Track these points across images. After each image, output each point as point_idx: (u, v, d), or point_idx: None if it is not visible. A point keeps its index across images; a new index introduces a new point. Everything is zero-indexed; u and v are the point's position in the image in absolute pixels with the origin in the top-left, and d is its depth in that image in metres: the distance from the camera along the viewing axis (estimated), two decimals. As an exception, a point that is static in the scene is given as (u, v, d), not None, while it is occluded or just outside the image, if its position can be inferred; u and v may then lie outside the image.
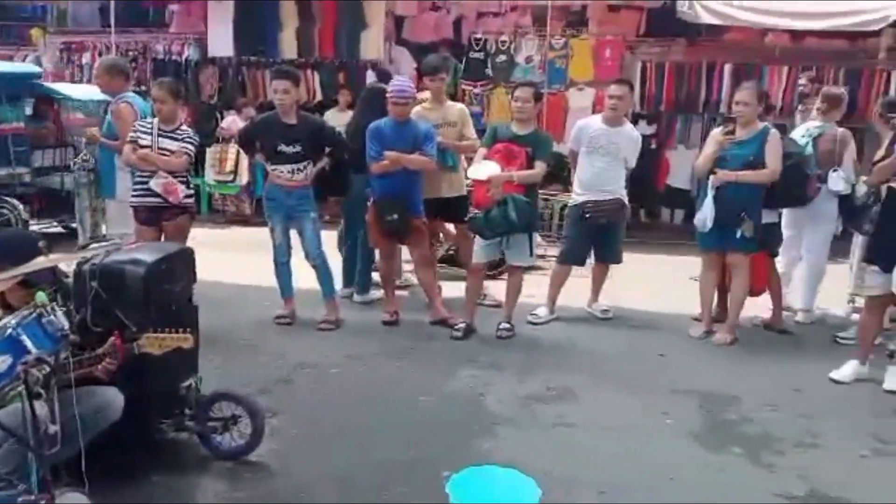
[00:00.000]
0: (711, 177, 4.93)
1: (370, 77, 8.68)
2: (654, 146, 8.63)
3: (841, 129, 5.27)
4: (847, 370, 4.42)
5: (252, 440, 3.22)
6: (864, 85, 8.22)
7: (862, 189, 4.88)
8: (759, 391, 4.21)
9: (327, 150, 5.12)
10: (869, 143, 6.08)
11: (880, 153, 4.36)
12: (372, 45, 8.96)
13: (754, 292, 5.18)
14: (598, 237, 5.42)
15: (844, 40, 8.49)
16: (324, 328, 5.08)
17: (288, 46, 9.11)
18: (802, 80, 7.86)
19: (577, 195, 5.43)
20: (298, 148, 4.92)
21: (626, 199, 5.42)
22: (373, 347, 4.79)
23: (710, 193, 4.92)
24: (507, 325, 5.06)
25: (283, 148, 4.93)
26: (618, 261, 5.61)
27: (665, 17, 8.43)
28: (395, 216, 4.97)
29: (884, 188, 4.35)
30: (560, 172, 6.42)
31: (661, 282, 6.43)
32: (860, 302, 4.96)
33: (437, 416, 3.84)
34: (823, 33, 8.17)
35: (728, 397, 4.13)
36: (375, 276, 5.65)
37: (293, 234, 5.16)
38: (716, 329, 5.12)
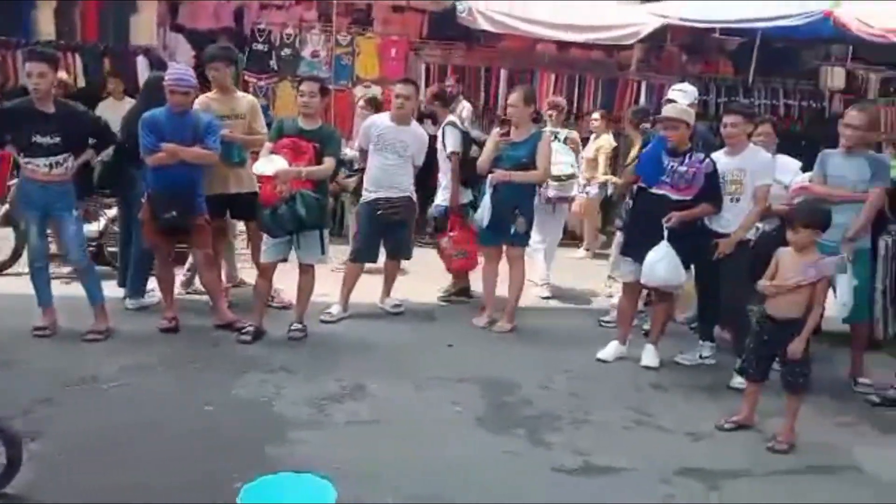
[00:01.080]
0: (489, 176, 5.23)
1: (141, 64, 8.05)
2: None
3: (547, 133, 5.72)
4: (610, 350, 4.90)
5: (7, 471, 2.83)
6: (620, 94, 9.16)
7: (610, 189, 5.55)
8: (536, 374, 4.53)
9: (91, 141, 4.66)
10: (624, 147, 6.85)
11: (631, 156, 4.90)
12: (143, 29, 8.29)
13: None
14: (389, 234, 5.49)
15: (602, 52, 9.43)
16: (91, 339, 4.60)
17: (45, 26, 8.13)
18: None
19: (368, 193, 5.45)
20: (57, 139, 4.41)
21: (415, 197, 5.55)
22: (150, 357, 4.43)
23: (488, 192, 5.21)
24: (299, 326, 4.95)
25: (38, 139, 4.39)
26: (408, 256, 5.74)
27: (446, 21, 8.77)
28: (174, 213, 4.64)
29: (635, 188, 4.89)
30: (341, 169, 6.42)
31: (446, 276, 6.68)
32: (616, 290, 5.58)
33: (226, 425, 3.65)
34: (585, 45, 9.02)
35: (509, 382, 4.40)
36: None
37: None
38: (497, 318, 5.43)
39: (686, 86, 5.59)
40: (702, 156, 4.57)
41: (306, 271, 5.01)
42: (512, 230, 5.21)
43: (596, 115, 7.89)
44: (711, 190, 4.53)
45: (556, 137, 6.07)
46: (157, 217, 4.68)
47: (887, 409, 4.28)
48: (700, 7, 8.89)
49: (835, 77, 9.73)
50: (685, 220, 4.52)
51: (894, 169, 4.86)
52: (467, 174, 5.59)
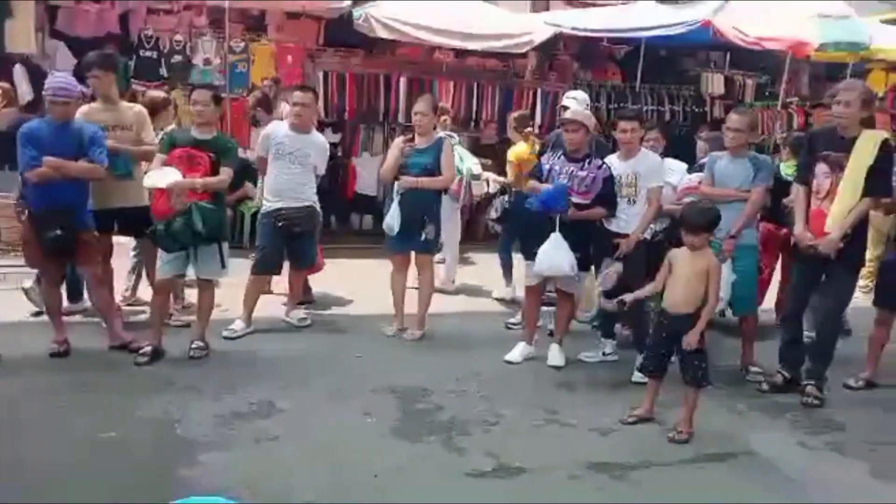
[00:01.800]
0: (396, 183, 5.23)
1: (18, 73, 7.55)
2: (340, 154, 8.85)
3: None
4: (517, 351, 4.99)
5: None
6: (516, 101, 9.37)
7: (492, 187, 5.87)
8: (447, 380, 4.56)
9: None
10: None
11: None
12: (20, 35, 7.76)
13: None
14: (291, 244, 5.38)
15: (498, 61, 9.63)
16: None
17: None
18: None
19: (268, 203, 5.32)
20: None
21: (317, 206, 5.47)
22: (39, 384, 4.15)
23: (396, 199, 5.21)
24: (201, 344, 4.77)
25: None
26: (315, 264, 5.65)
27: (343, 28, 8.70)
28: (59, 231, 4.36)
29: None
30: (248, 180, 6.24)
31: (356, 286, 6.63)
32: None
33: (128, 451, 3.47)
34: (481, 53, 9.18)
35: (421, 389, 4.40)
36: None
37: None
38: (406, 326, 5.43)
39: (579, 93, 5.79)
40: (599, 161, 4.75)
41: (205, 287, 4.83)
42: (422, 237, 5.23)
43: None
44: (608, 195, 4.71)
45: (457, 142, 6.28)
46: (40, 237, 4.39)
47: (775, 394, 4.55)
48: (590, 16, 9.26)
49: (714, 83, 10.33)
50: (579, 218, 4.67)
51: (790, 168, 5.20)
52: None
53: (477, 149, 8.30)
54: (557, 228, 4.63)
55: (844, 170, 4.21)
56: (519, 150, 6.31)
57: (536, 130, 6.07)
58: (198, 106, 4.69)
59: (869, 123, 4.39)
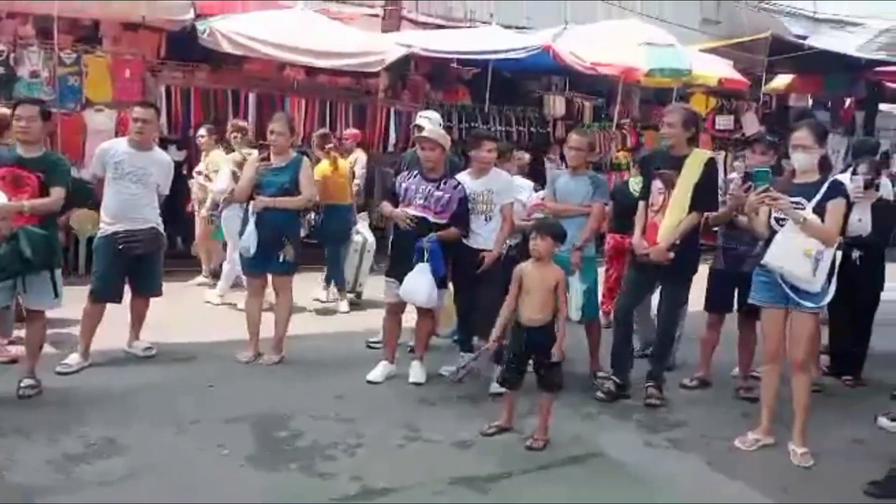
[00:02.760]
0: (251, 202, 5.06)
1: None
2: (185, 172, 8.42)
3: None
4: (379, 371, 4.97)
5: None
6: (370, 120, 9.40)
7: None
8: (307, 405, 4.44)
9: None
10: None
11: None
12: None
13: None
14: (133, 269, 5.04)
15: (351, 79, 9.62)
16: None
17: None
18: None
19: (106, 225, 4.95)
20: None
21: (161, 227, 5.17)
22: None
23: (252, 219, 5.04)
24: (31, 382, 4.34)
25: None
26: (157, 293, 5.31)
27: (186, 42, 8.34)
28: None
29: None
30: (84, 200, 5.79)
31: (204, 311, 6.32)
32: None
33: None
34: (333, 71, 9.13)
35: (280, 416, 4.25)
36: None
37: None
38: (262, 351, 5.24)
39: (432, 113, 5.91)
40: (455, 181, 4.86)
41: (35, 318, 4.42)
42: (280, 258, 5.09)
43: (202, 130, 7.57)
44: (463, 214, 4.82)
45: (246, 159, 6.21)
46: None
47: (618, 400, 4.79)
48: (440, 38, 9.50)
49: (556, 105, 10.90)
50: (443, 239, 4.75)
51: (637, 183, 5.50)
52: None
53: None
54: (426, 258, 4.67)
55: (675, 186, 4.58)
56: (322, 167, 6.50)
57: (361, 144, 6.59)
58: (22, 122, 4.30)
59: (696, 143, 4.80)
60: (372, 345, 5.66)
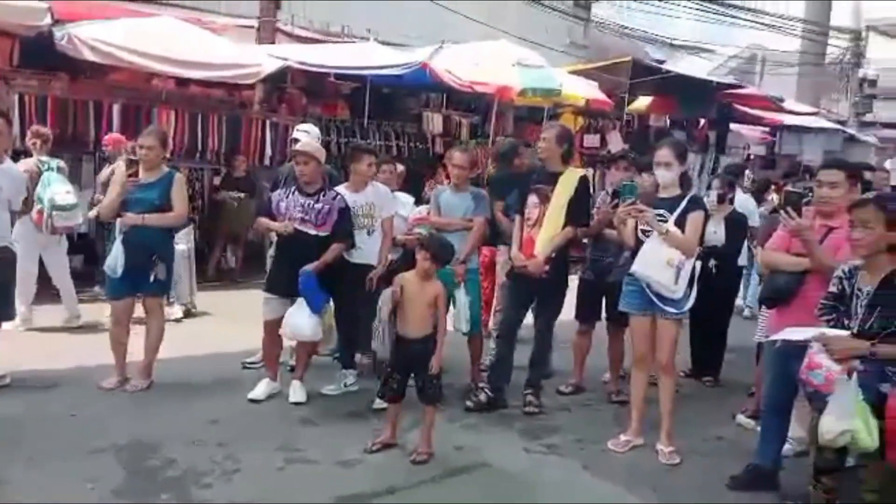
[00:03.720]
0: (118, 220, 4.79)
1: None
2: (41, 187, 7.83)
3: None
4: (261, 389, 4.82)
5: None
6: (245, 133, 9.13)
7: None
8: (180, 431, 4.23)
9: None
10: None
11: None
12: None
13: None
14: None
15: (224, 90, 9.33)
16: None
17: None
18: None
19: (-53, 245, 4.51)
20: None
21: (13, 247, 4.77)
22: None
23: (119, 237, 4.76)
24: None
25: None
26: (9, 317, 4.89)
27: (43, 49, 7.78)
28: None
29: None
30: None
31: (62, 336, 5.89)
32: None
33: None
34: (205, 83, 8.81)
35: (151, 444, 4.03)
36: None
37: None
38: (129, 376, 4.94)
39: (310, 126, 5.83)
40: (334, 193, 4.82)
41: None
42: (151, 278, 4.83)
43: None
44: (344, 224, 4.78)
45: (48, 167, 6.03)
46: None
47: (493, 410, 4.88)
48: (317, 52, 9.41)
49: (434, 122, 11.06)
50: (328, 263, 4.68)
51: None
52: None
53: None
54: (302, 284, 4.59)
55: (551, 201, 4.76)
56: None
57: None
58: None
59: (570, 160, 5.00)
60: (248, 365, 5.48)
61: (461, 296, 4.85)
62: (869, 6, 18.52)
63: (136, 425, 4.28)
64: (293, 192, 4.80)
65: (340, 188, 5.01)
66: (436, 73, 9.26)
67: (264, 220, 4.86)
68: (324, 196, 4.76)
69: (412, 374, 4.10)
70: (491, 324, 5.91)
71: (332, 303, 4.96)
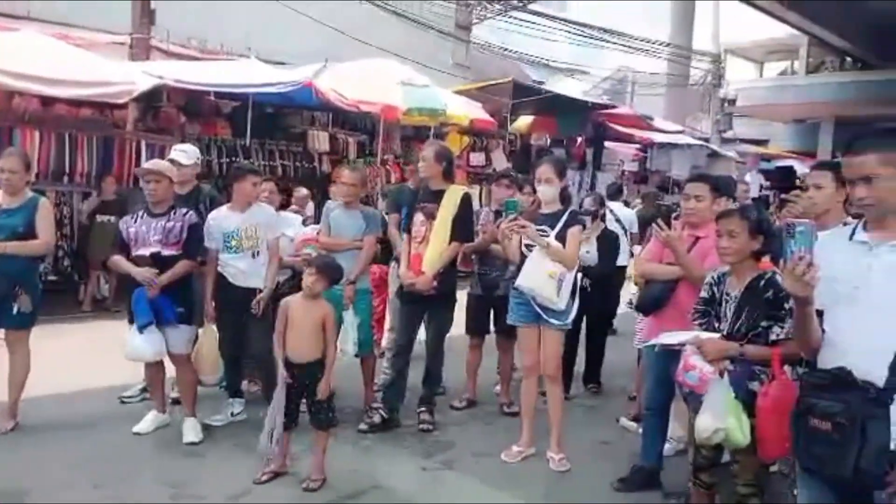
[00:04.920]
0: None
1: None
2: None
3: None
4: (148, 421, 4.59)
5: None
6: (118, 153, 8.68)
7: None
8: (52, 474, 3.94)
9: None
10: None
11: None
12: None
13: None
14: None
15: (94, 110, 8.83)
16: None
17: None
18: None
19: None
20: None
21: None
22: None
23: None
24: None
25: None
26: None
27: None
28: None
29: None
30: None
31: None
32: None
33: None
34: (73, 101, 8.31)
35: (14, 492, 3.70)
36: None
37: None
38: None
39: (188, 146, 5.60)
40: (184, 210, 4.61)
41: None
42: (14, 310, 4.46)
43: None
44: (193, 241, 4.57)
45: None
46: None
47: (387, 430, 4.84)
48: (194, 70, 9.09)
49: (320, 140, 10.94)
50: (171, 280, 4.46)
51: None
52: None
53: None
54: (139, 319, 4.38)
55: (436, 218, 4.80)
56: None
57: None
58: None
59: (451, 178, 5.07)
60: (125, 399, 5.16)
61: (349, 317, 4.80)
62: (726, 31, 20.05)
63: (1, 472, 3.93)
64: (142, 216, 4.54)
65: (223, 209, 4.85)
66: (321, 92, 9.18)
67: (123, 263, 4.52)
68: (174, 214, 4.56)
69: (303, 400, 4.00)
70: (384, 342, 5.89)
71: (216, 329, 4.77)
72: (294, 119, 11.12)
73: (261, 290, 4.70)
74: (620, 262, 6.29)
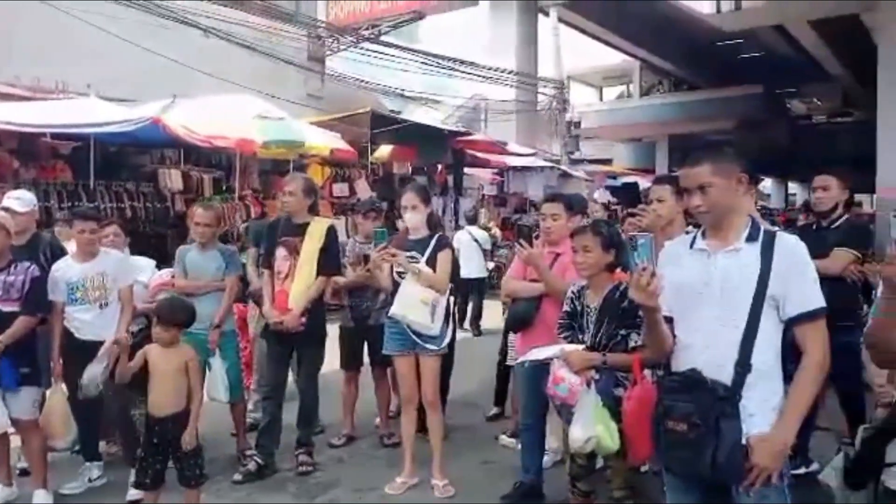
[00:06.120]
0: None
1: None
2: None
3: None
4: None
5: None
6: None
7: None
8: None
9: None
10: None
11: None
12: None
13: None
14: None
15: None
16: None
17: None
18: None
19: None
20: None
21: None
22: None
23: None
24: None
25: None
26: None
27: None
28: None
29: None
30: None
31: None
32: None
33: None
34: None
35: None
36: None
37: None
38: None
39: (23, 193, 5.15)
40: (27, 263, 4.24)
41: None
42: None
43: None
44: (35, 294, 4.20)
45: None
46: None
47: (264, 478, 4.63)
48: (26, 111, 8.43)
49: (172, 178, 10.45)
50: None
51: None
52: None
53: None
54: None
55: (300, 253, 4.69)
56: None
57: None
58: None
59: (316, 210, 4.99)
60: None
61: (216, 362, 4.57)
62: (567, 59, 21.26)
63: None
64: None
65: (67, 259, 4.49)
66: (170, 129, 8.78)
67: None
68: (15, 268, 4.18)
69: (169, 456, 3.75)
70: (253, 385, 5.67)
71: (65, 388, 4.38)
72: (143, 158, 10.58)
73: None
74: (479, 274, 6.82)
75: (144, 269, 5.11)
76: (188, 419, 3.71)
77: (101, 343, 4.31)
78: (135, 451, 3.91)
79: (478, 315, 9.89)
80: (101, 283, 4.41)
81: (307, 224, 4.74)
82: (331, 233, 4.81)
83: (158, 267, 5.27)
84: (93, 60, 10.70)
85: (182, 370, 3.74)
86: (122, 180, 9.95)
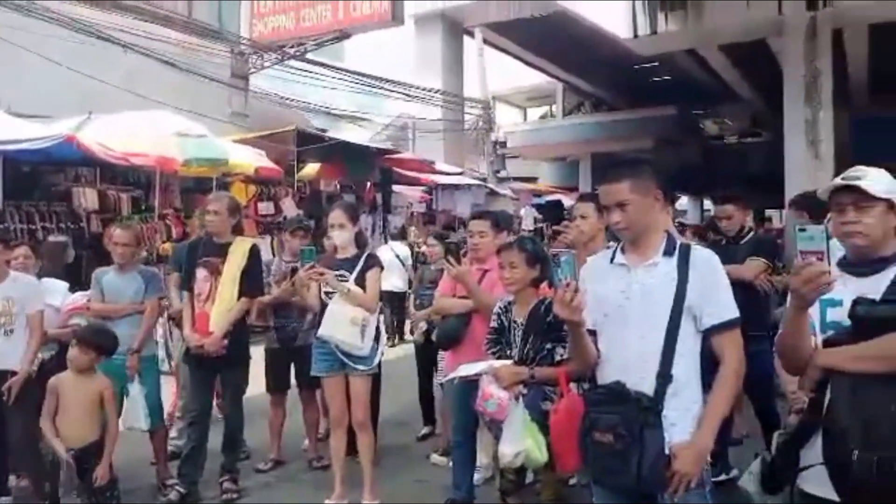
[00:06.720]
0: None
1: None
2: None
3: None
4: None
5: None
6: None
7: None
8: None
9: None
10: None
11: None
12: None
13: None
14: None
15: None
16: None
17: None
18: None
19: None
20: None
21: None
22: None
23: None
24: None
25: None
26: None
27: None
28: None
29: None
30: None
31: None
32: None
33: None
34: None
35: None
36: None
37: None
38: None
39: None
40: None
41: None
42: None
43: None
44: None
45: None
46: None
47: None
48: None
49: (88, 198, 10.03)
50: None
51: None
52: None
53: None
54: None
55: (222, 274, 4.56)
56: None
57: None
58: None
59: (239, 230, 4.88)
60: None
61: (135, 389, 4.38)
62: (492, 79, 21.59)
63: None
64: None
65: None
66: (85, 146, 8.44)
67: None
68: None
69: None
70: (178, 412, 5.47)
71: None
72: (56, 177, 10.11)
73: (15, 373, 4.12)
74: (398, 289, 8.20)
75: (57, 293, 4.87)
76: (102, 451, 3.53)
77: (4, 372, 4.07)
78: (44, 486, 3.70)
79: (397, 329, 10.18)
80: (7, 309, 4.17)
81: (229, 244, 4.63)
82: (254, 253, 4.70)
83: (72, 290, 5.03)
84: (4, 76, 10.22)
85: (96, 400, 3.57)
86: (33, 200, 9.48)
